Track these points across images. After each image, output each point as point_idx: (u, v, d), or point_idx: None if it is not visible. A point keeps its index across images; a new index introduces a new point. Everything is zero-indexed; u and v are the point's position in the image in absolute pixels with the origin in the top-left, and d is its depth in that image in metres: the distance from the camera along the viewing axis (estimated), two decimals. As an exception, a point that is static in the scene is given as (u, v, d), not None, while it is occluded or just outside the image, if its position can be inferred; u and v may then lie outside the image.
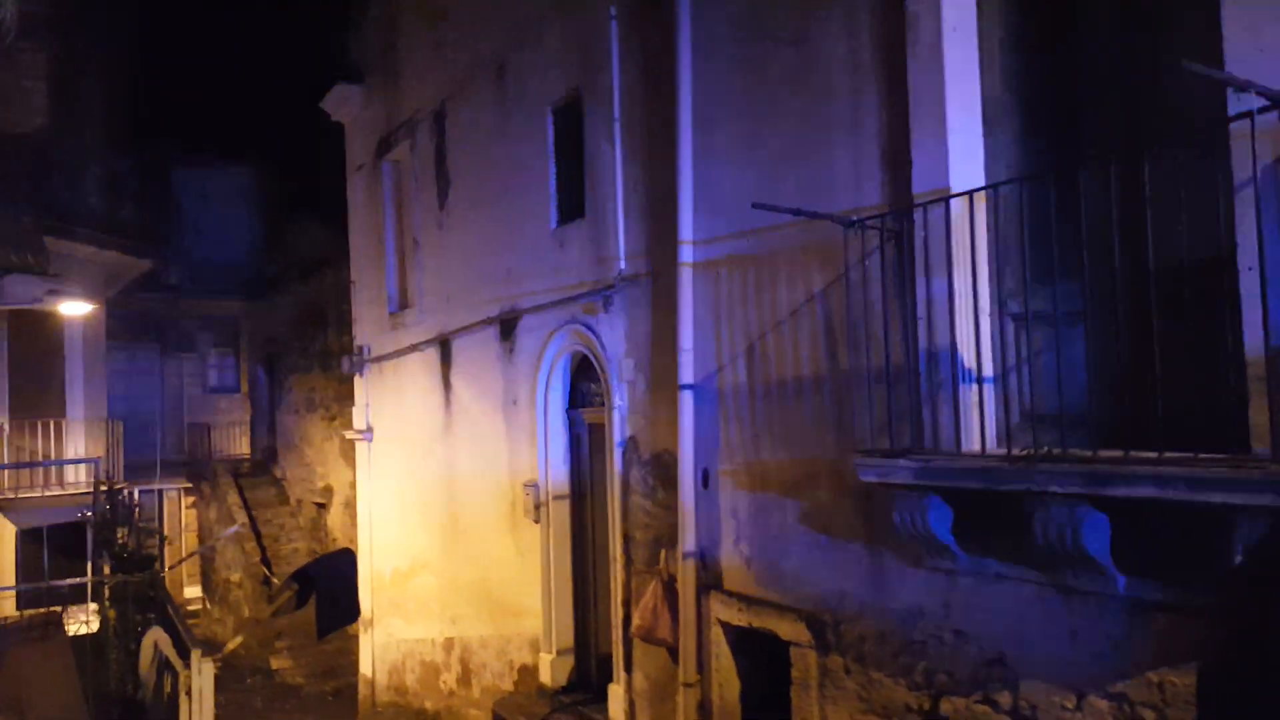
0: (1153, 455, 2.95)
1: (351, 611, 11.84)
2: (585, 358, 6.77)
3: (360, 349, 10.53)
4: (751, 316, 5.04)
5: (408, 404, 9.47)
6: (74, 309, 11.33)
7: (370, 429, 10.40)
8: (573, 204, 6.71)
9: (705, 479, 5.49)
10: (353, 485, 11.31)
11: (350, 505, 12.03)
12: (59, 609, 9.74)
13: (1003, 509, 3.53)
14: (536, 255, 7.16)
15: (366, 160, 10.25)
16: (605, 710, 6.40)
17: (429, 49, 8.81)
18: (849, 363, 4.31)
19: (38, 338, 12.62)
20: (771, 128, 4.80)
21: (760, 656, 5.19)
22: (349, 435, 10.99)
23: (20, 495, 12.31)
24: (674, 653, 5.67)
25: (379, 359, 10.17)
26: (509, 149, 7.49)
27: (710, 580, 5.46)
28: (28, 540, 12.41)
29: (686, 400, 5.47)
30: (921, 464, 3.76)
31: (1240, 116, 2.73)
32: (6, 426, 12.29)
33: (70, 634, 9.09)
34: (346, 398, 11.50)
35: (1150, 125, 3.41)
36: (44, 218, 7.92)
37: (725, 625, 5.36)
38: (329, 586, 12.13)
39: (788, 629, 4.83)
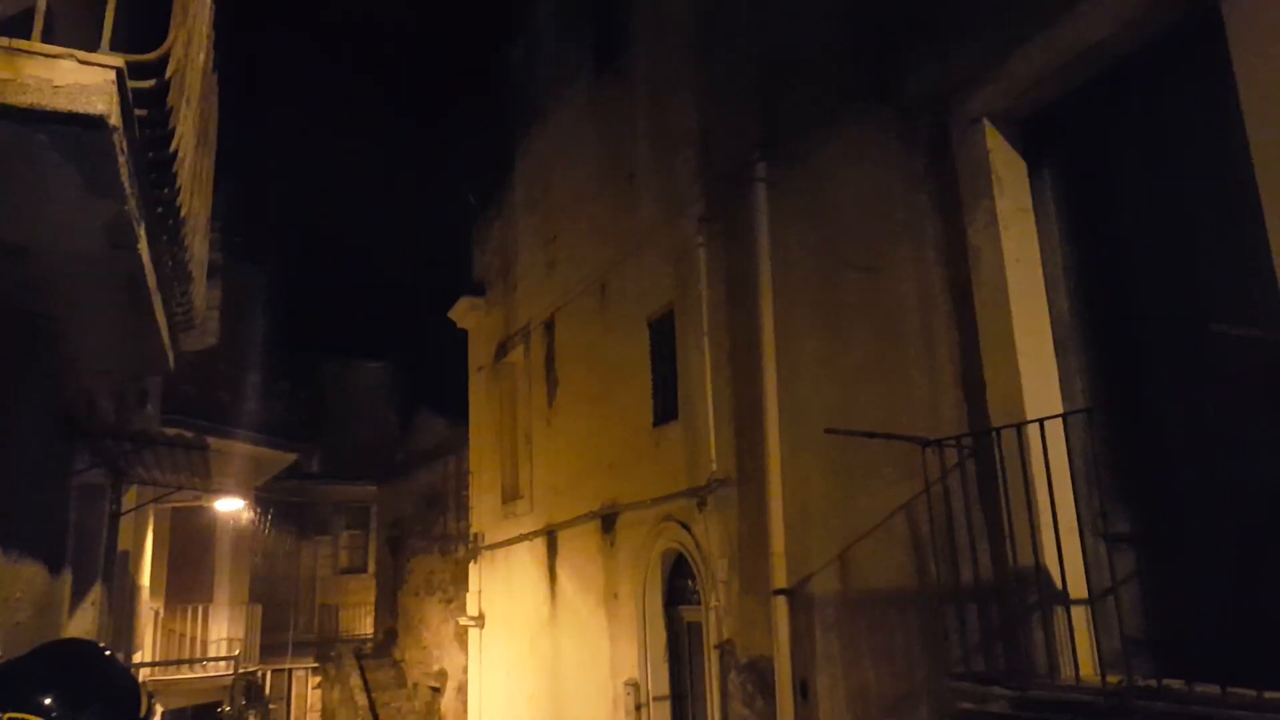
0: (1252, 694, 2.82)
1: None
2: (681, 555, 6.86)
3: (475, 536, 10.92)
4: (842, 523, 5.08)
5: (516, 592, 9.68)
6: (227, 505, 12.38)
7: (482, 615, 10.60)
8: (668, 407, 7.04)
9: (804, 690, 5.37)
10: (465, 670, 11.41)
11: (463, 690, 12.08)
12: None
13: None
14: (636, 453, 7.45)
15: (486, 363, 11.05)
16: None
17: (541, 266, 9.67)
18: (938, 578, 4.28)
19: (192, 530, 13.77)
20: (849, 346, 5.03)
21: None
22: (463, 621, 11.21)
23: (168, 677, 13.00)
24: None
25: (492, 546, 10.51)
26: (611, 355, 7.99)
27: (814, 800, 5.23)
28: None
29: (780, 606, 5.45)
30: (1018, 693, 3.65)
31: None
32: (161, 612, 13.21)
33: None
34: (462, 580, 11.83)
35: (1216, 347, 3.44)
36: (208, 422, 8.99)
37: None
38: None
39: None
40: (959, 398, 4.28)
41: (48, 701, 1.69)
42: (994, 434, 3.80)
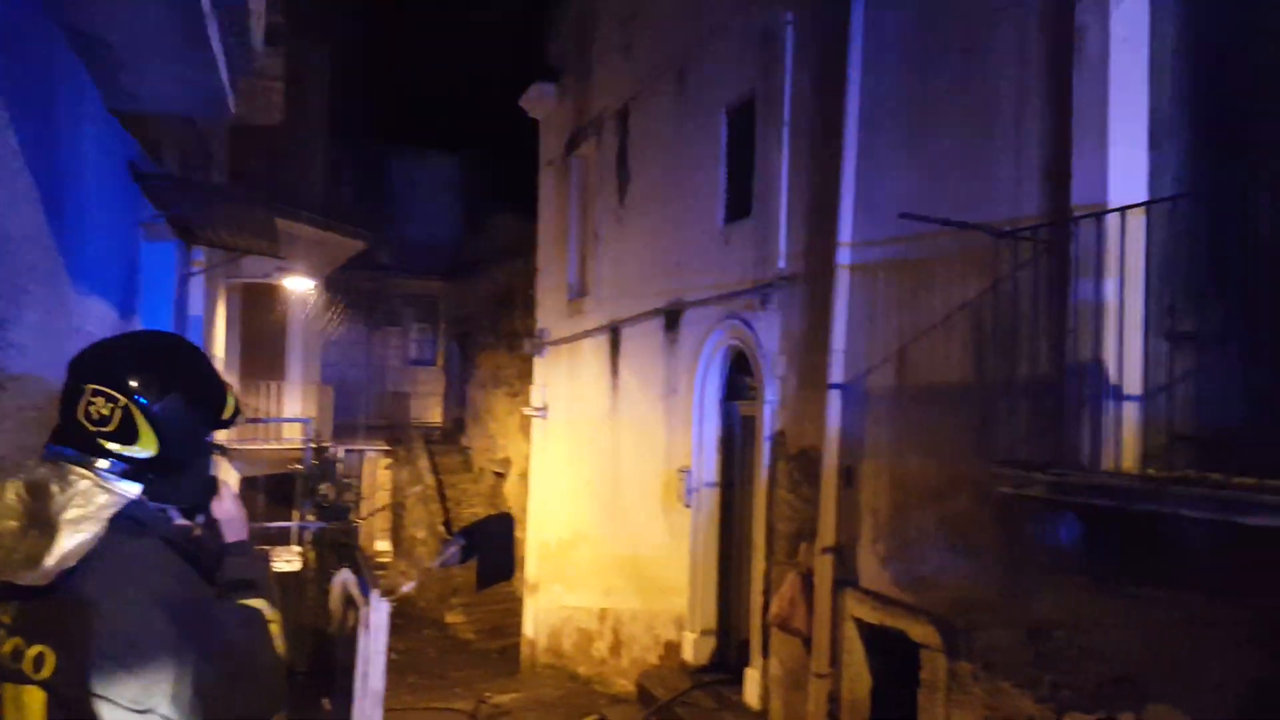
0: (1290, 483, 2.88)
1: (505, 571, 12.78)
2: (742, 352, 7.02)
3: (541, 332, 11.25)
4: (903, 321, 5.11)
5: (580, 385, 10.07)
6: (297, 284, 12.92)
7: (546, 407, 11.10)
8: (740, 203, 6.97)
9: (848, 477, 5.60)
10: (528, 458, 12.07)
11: (525, 476, 12.83)
12: (268, 548, 11.13)
13: (1137, 529, 3.52)
14: (703, 251, 7.48)
15: (557, 156, 10.93)
16: (741, 691, 6.65)
17: (618, 51, 9.32)
18: (995, 373, 4.33)
19: (264, 309, 14.34)
20: (935, 134, 4.87)
21: (891, 655, 5.26)
22: (527, 412, 11.76)
23: (243, 447, 13.99)
24: (808, 643, 5.81)
25: (557, 342, 10.84)
26: (685, 148, 7.85)
27: (846, 576, 5.57)
28: (246, 487, 14.10)
29: (834, 399, 5.60)
30: (1057, 479, 3.77)
31: None
32: (237, 385, 14.03)
33: (276, 570, 10.45)
34: (527, 376, 12.29)
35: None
36: (275, 203, 9.08)
37: (859, 622, 5.46)
38: (488, 546, 13.23)
39: (919, 631, 4.89)
40: (1042, 190, 4.17)
41: (133, 383, 1.61)
42: (1073, 223, 3.72)
